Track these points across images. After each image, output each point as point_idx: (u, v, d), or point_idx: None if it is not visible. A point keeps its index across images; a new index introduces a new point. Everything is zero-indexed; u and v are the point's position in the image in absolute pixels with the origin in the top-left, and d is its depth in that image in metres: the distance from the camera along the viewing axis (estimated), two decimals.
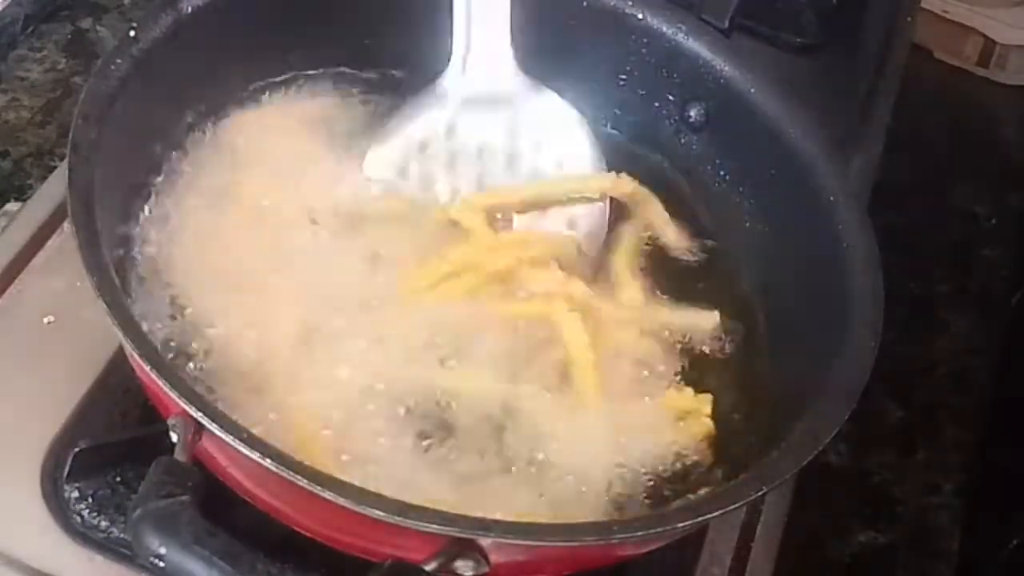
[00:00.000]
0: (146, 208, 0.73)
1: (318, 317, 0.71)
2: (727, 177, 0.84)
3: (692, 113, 0.84)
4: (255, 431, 0.58)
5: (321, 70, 0.83)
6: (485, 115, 0.79)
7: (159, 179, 0.74)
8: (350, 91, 0.83)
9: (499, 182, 0.79)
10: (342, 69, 0.83)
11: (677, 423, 0.72)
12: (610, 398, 0.72)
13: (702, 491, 0.69)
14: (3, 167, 0.94)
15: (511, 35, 0.78)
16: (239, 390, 0.68)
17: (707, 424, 0.72)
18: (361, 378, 0.70)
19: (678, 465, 0.71)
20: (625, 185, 0.80)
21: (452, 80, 0.78)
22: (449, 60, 0.78)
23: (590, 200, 0.80)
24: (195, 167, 0.76)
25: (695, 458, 0.71)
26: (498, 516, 0.60)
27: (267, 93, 0.81)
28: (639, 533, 0.60)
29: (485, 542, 0.58)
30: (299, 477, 0.56)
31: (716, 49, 0.83)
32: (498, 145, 0.79)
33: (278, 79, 0.81)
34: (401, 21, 0.83)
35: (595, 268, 0.79)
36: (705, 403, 0.73)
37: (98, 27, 1.06)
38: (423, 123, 0.79)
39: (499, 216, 0.78)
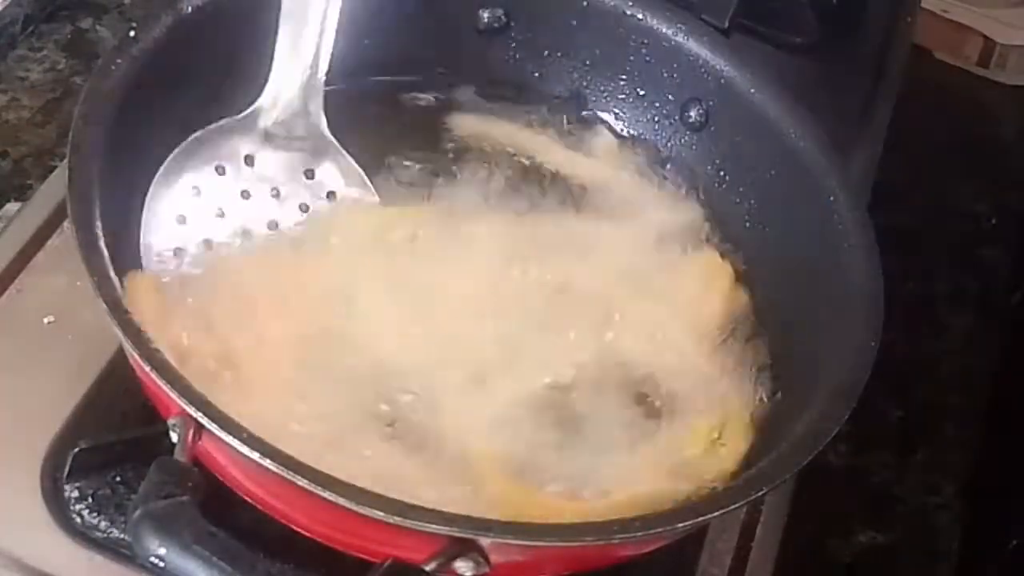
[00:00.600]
0: (146, 208, 0.73)
1: (322, 314, 0.72)
2: (727, 177, 0.84)
3: (692, 113, 0.84)
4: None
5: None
6: (284, 154, 0.76)
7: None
8: (356, 96, 0.83)
9: (264, 217, 0.76)
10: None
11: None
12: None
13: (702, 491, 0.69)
14: (3, 167, 0.94)
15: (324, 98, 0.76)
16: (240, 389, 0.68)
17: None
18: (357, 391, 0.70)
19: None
20: None
21: (263, 110, 0.75)
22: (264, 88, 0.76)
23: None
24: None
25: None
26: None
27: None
28: (639, 533, 0.60)
29: (485, 542, 0.58)
30: (299, 477, 0.56)
31: (716, 49, 0.83)
32: (282, 186, 0.76)
33: None
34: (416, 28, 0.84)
35: None
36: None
37: (98, 27, 1.06)
38: (223, 148, 0.75)
39: None
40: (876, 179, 0.94)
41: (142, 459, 0.67)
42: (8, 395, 0.74)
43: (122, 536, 0.70)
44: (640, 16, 0.84)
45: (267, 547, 0.57)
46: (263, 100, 0.75)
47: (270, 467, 0.56)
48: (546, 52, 0.86)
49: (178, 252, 0.72)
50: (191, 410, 0.58)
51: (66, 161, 0.65)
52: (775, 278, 0.79)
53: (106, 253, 0.62)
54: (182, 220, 0.73)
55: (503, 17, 0.86)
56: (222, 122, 0.75)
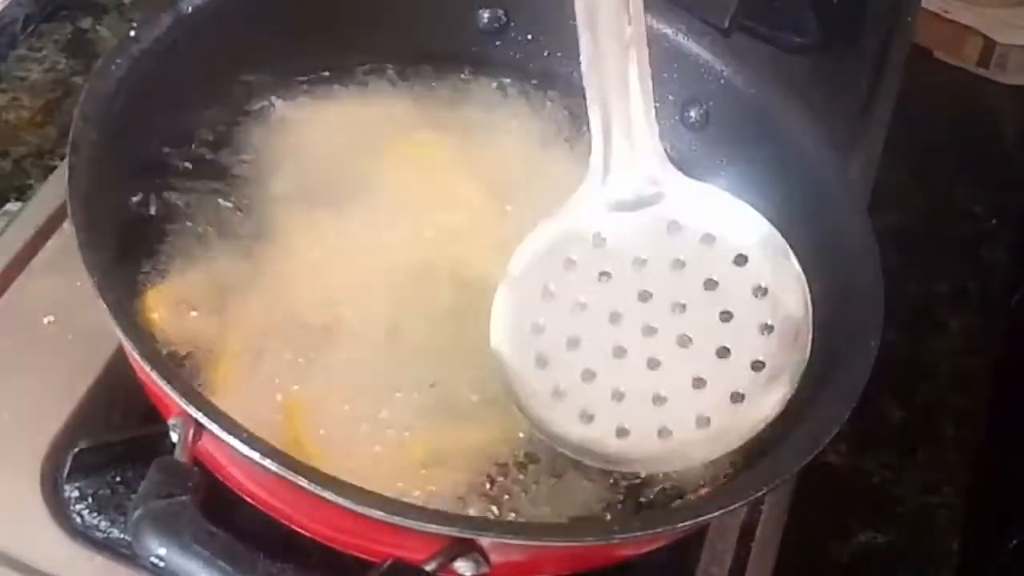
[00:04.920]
0: (146, 208, 0.73)
1: (330, 310, 0.72)
2: (727, 177, 0.83)
3: (692, 113, 0.84)
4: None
5: (329, 73, 0.82)
6: (637, 219, 0.69)
7: (159, 179, 0.74)
8: (362, 92, 0.83)
9: (672, 294, 0.68)
10: (354, 72, 0.83)
11: None
12: None
13: (702, 491, 0.69)
14: (3, 167, 0.94)
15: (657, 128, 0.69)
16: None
17: None
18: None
19: None
20: None
21: (593, 189, 0.69)
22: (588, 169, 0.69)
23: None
24: (195, 167, 0.76)
25: None
26: None
27: (270, 95, 0.81)
28: (639, 533, 0.60)
29: (485, 542, 0.58)
30: (299, 477, 0.56)
31: (716, 49, 0.82)
32: (659, 251, 0.69)
33: (282, 81, 0.81)
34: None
35: None
36: None
37: (98, 27, 1.06)
38: (565, 236, 0.68)
39: None
40: (876, 179, 0.94)
41: (142, 459, 0.67)
42: (8, 395, 0.74)
43: (122, 536, 0.70)
44: None
45: (267, 547, 0.57)
46: (593, 167, 0.68)
47: (270, 467, 0.56)
48: (546, 52, 0.86)
49: (541, 361, 0.67)
50: (191, 410, 0.58)
51: (66, 161, 0.65)
52: None
53: (106, 253, 0.63)
54: (538, 329, 0.68)
55: (503, 17, 0.86)
56: (555, 214, 0.68)
